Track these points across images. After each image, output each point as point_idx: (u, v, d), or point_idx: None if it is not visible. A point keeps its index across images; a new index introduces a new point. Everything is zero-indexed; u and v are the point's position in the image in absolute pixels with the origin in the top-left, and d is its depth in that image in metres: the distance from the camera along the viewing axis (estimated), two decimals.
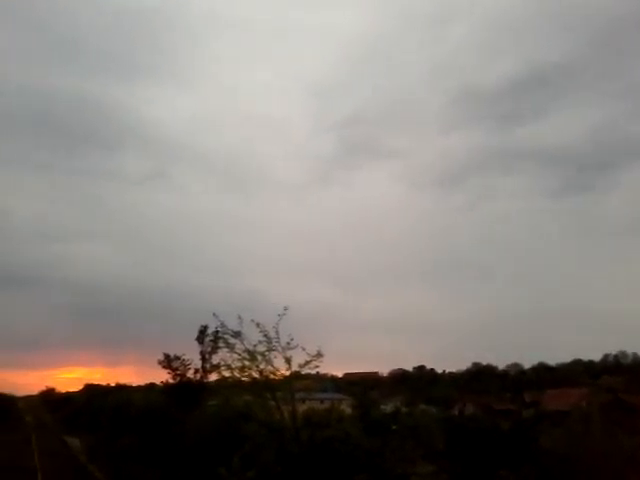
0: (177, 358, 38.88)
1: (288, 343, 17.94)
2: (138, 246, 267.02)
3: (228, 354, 18.79)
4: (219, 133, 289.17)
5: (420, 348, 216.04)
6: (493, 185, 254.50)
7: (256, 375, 18.46)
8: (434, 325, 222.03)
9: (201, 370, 37.98)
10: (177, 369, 38.64)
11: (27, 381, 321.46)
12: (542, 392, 77.78)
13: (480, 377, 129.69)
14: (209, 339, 36.74)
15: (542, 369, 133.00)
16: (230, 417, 22.86)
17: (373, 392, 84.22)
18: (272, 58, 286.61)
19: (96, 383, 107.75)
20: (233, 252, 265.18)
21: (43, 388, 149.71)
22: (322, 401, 43.24)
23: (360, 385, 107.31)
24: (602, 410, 26.25)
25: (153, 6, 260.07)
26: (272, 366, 18.29)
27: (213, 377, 37.02)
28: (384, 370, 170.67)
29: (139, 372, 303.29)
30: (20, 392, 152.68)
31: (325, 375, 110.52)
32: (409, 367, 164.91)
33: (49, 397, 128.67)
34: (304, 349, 18.05)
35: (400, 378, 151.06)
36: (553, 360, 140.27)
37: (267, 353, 18.13)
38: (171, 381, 39.23)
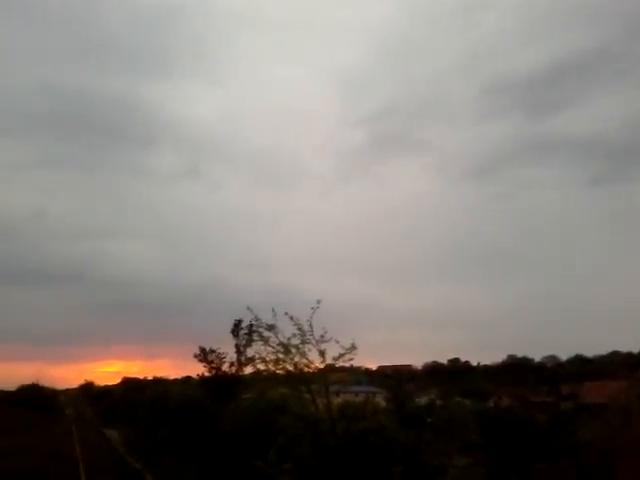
0: (212, 351, 39.23)
1: (322, 336, 17.97)
2: (174, 242, 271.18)
3: (262, 347, 18.94)
4: (251, 128, 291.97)
5: (454, 340, 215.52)
6: (528, 175, 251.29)
7: (290, 368, 18.54)
8: (468, 317, 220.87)
9: (236, 363, 38.27)
10: (213, 362, 38.98)
11: (67, 375, 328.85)
12: (579, 384, 76.37)
13: (515, 369, 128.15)
14: (244, 332, 37.02)
15: (579, 361, 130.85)
16: (265, 410, 23.02)
17: (407, 385, 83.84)
18: (303, 52, 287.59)
19: (133, 376, 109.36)
20: (266, 246, 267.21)
21: (82, 381, 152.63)
22: (356, 394, 43.15)
23: (394, 378, 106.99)
24: None
25: (184, 4, 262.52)
26: (306, 359, 18.37)
27: (248, 370, 37.37)
28: (418, 363, 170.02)
29: (175, 365, 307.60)
30: (60, 385, 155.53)
31: (359, 368, 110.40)
32: (443, 359, 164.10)
33: (88, 390, 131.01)
34: (338, 342, 18.08)
35: (434, 371, 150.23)
36: (590, 352, 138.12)
37: (301, 346, 18.21)
38: (207, 374, 39.63)
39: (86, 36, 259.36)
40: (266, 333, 18.66)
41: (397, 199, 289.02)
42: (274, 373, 19.33)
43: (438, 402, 26.81)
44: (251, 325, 30.95)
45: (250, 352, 35.85)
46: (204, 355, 39.16)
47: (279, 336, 18.44)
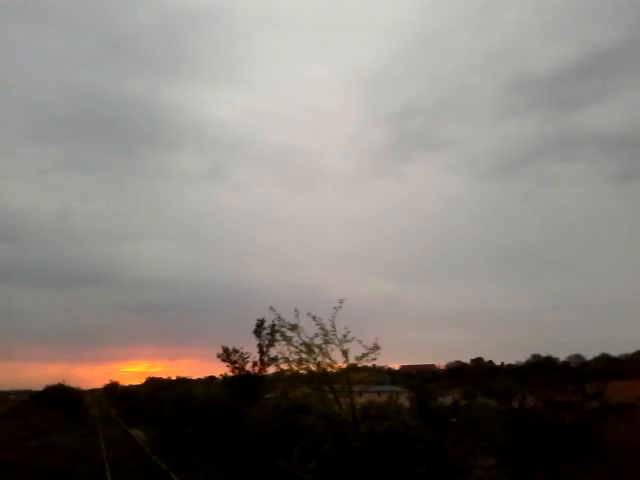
0: (235, 351, 39.42)
1: (345, 336, 18.00)
2: (197, 243, 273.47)
3: (285, 347, 19.00)
4: (274, 129, 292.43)
5: (478, 340, 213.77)
6: (554, 172, 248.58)
7: (313, 368, 18.58)
8: (492, 317, 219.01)
9: (259, 363, 38.41)
10: (236, 362, 39.17)
11: (92, 375, 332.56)
12: (605, 384, 75.44)
13: (540, 369, 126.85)
14: (266, 332, 37.19)
15: (605, 360, 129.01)
16: (289, 409, 23.06)
17: (430, 385, 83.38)
18: (326, 52, 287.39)
19: (157, 376, 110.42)
20: (289, 246, 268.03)
21: (107, 382, 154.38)
22: (379, 393, 43.06)
23: (417, 377, 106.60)
24: None
25: (207, 7, 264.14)
26: (329, 359, 18.40)
27: (271, 370, 37.52)
28: (441, 362, 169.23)
29: (198, 365, 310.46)
30: (86, 386, 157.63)
31: (382, 367, 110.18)
32: (466, 359, 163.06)
33: (113, 390, 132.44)
34: (361, 342, 18.09)
35: (457, 370, 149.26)
36: (616, 351, 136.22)
37: (324, 346, 18.24)
38: (230, 374, 39.82)
39: (110, 40, 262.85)
40: (289, 333, 18.75)
41: (421, 198, 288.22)
42: (297, 373, 19.39)
43: (462, 402, 26.63)
44: (274, 325, 31.19)
45: (273, 352, 36.06)
46: (227, 355, 39.37)
47: (302, 336, 18.51)
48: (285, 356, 19.13)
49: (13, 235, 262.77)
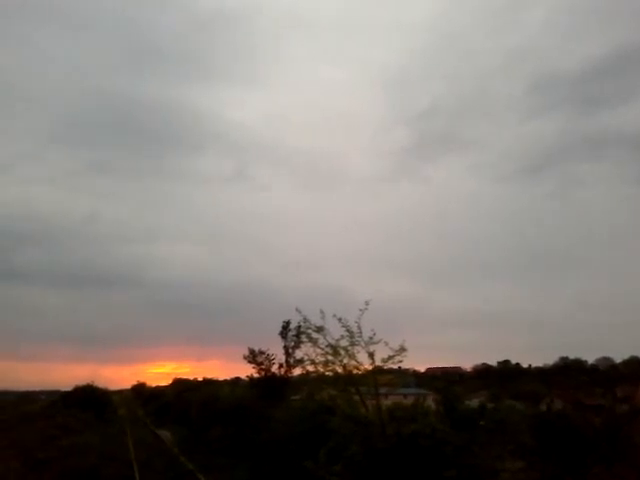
0: (262, 353, 39.62)
1: (371, 338, 17.99)
2: (223, 245, 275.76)
3: (311, 349, 19.05)
4: (296, 130, 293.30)
5: (504, 342, 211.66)
6: (579, 172, 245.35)
7: (339, 370, 18.60)
8: (519, 318, 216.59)
9: (285, 365, 38.54)
10: (262, 364, 39.37)
11: (120, 376, 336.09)
12: (636, 387, 74.17)
13: (568, 371, 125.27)
14: (292, 334, 37.31)
15: (635, 363, 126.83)
16: (315, 411, 23.10)
17: (457, 387, 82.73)
18: (347, 53, 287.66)
19: (184, 378, 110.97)
20: (314, 248, 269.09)
21: (134, 382, 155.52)
22: (405, 396, 42.86)
23: (443, 380, 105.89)
24: None
25: (230, 11, 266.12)
26: (355, 361, 18.41)
27: (297, 372, 37.61)
28: (467, 365, 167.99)
29: (225, 366, 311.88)
30: (113, 386, 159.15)
31: (407, 370, 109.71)
32: (493, 362, 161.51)
33: (140, 391, 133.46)
34: (387, 344, 18.07)
35: (484, 373, 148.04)
36: None
37: (350, 348, 18.24)
38: (256, 375, 40.01)
39: (136, 44, 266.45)
40: (315, 335, 18.78)
41: (444, 199, 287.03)
42: (323, 374, 19.43)
43: (489, 405, 26.39)
44: (299, 327, 31.28)
45: (299, 354, 36.15)
46: (253, 356, 39.59)
47: (328, 338, 18.53)
48: (311, 358, 19.21)
49: (41, 238, 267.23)
